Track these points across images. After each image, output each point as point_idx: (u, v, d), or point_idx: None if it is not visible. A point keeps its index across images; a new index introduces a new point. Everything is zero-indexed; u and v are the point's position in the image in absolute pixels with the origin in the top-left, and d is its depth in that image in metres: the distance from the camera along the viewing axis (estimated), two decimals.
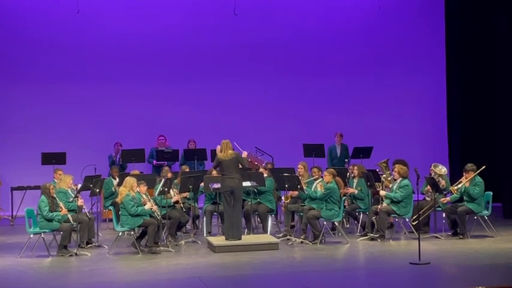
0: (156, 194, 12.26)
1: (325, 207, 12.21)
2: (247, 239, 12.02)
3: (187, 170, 13.86)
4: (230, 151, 11.93)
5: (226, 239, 11.78)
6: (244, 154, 12.33)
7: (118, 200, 11.78)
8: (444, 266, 10.46)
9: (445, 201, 12.65)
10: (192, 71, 17.05)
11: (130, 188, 11.62)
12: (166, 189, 12.08)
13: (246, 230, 12.77)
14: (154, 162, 15.78)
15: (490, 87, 15.71)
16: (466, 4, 16.63)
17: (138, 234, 11.83)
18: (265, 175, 12.99)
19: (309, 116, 17.25)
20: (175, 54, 17.01)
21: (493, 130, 15.63)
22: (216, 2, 17.01)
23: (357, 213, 13.23)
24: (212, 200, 13.08)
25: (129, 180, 11.74)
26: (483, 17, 15.98)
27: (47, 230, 11.47)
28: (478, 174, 12.42)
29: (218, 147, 12.15)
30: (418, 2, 17.72)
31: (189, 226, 13.32)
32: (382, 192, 12.56)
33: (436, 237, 12.38)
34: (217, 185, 12.32)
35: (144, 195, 11.74)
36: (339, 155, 15.92)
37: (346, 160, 15.74)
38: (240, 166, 12.04)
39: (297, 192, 12.66)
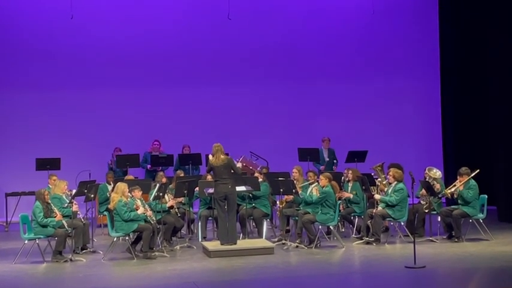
0: (151, 199, 12.24)
1: (320, 212, 12.20)
2: (243, 243, 12.00)
3: (182, 175, 13.85)
4: (222, 156, 11.86)
5: (222, 244, 11.76)
6: (239, 164, 12.28)
7: (110, 206, 11.76)
8: (440, 269, 10.47)
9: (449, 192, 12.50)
10: (186, 76, 17.05)
11: (122, 194, 11.60)
12: (161, 194, 12.07)
13: (241, 235, 12.75)
14: (149, 167, 15.76)
15: (484, 90, 15.74)
16: (460, 7, 16.66)
17: (133, 240, 11.81)
18: (260, 180, 12.98)
19: (303, 120, 17.26)
20: (169, 59, 17.01)
21: (487, 133, 15.65)
22: (209, 7, 17.02)
23: (352, 217, 13.24)
24: (207, 204, 13.06)
25: (120, 186, 11.73)
26: (477, 20, 16.01)
27: (41, 236, 11.44)
28: (472, 177, 12.43)
29: (211, 156, 12.10)
30: (413, 5, 17.77)
31: (184, 231, 13.31)
32: (377, 196, 12.57)
33: (432, 240, 12.38)
34: (212, 190, 12.30)
35: (138, 201, 11.73)
36: (326, 159, 15.91)
37: (335, 161, 15.76)
38: (232, 171, 11.97)
39: (292, 197, 12.66)
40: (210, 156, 12.06)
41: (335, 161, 15.84)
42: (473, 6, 16.17)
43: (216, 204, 12.04)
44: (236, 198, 12.14)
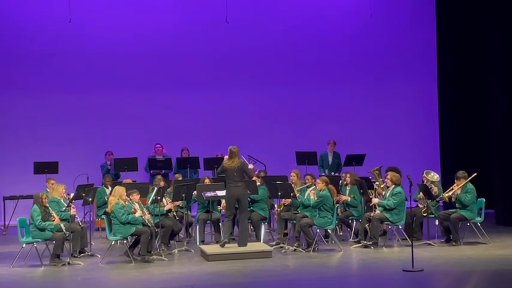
0: (149, 202, 12.25)
1: (318, 215, 12.21)
2: (240, 247, 11.98)
3: (180, 178, 13.85)
4: (237, 159, 11.99)
5: (220, 246, 11.81)
6: (251, 166, 12.36)
7: (108, 209, 11.75)
8: (437, 273, 10.47)
9: (447, 196, 12.52)
10: (185, 80, 17.06)
11: (119, 197, 11.61)
12: (159, 197, 12.07)
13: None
14: (151, 171, 15.76)
15: (482, 94, 15.77)
16: (458, 11, 16.68)
17: (131, 243, 11.81)
18: (258, 183, 12.99)
19: (301, 123, 17.27)
20: (168, 63, 17.02)
21: (485, 137, 15.67)
22: (208, 11, 17.04)
23: (350, 221, 13.24)
24: (205, 208, 13.07)
25: (118, 189, 11.74)
26: (474, 23, 16.03)
27: (39, 240, 11.43)
28: (470, 181, 12.44)
29: (226, 157, 12.24)
30: (410, 9, 17.79)
31: (182, 235, 13.30)
32: (375, 200, 12.57)
33: (429, 244, 12.39)
34: (210, 194, 12.33)
35: (136, 204, 11.73)
36: (330, 162, 15.90)
37: (339, 166, 15.75)
38: (245, 175, 12.10)
39: (290, 200, 12.66)
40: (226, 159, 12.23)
41: (339, 166, 15.79)
42: (471, 10, 16.18)
43: (226, 207, 12.17)
44: (247, 201, 12.23)
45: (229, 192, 11.97)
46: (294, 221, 12.42)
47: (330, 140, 16.05)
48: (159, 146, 16.06)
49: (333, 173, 15.57)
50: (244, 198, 12.02)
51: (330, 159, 15.93)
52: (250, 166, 12.38)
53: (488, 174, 14.76)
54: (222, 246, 11.81)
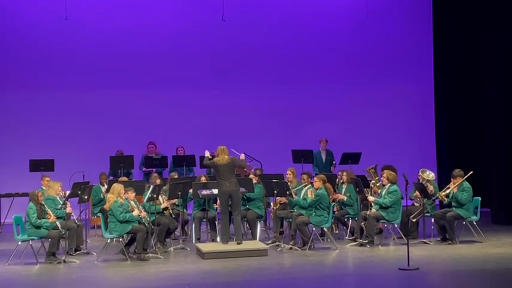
0: (145, 200, 12.24)
1: (314, 213, 12.21)
2: (236, 245, 11.99)
3: (176, 176, 13.85)
4: (226, 156, 12.06)
5: (224, 243, 11.84)
6: (242, 156, 12.42)
7: (106, 206, 11.75)
8: (433, 271, 10.48)
9: (443, 195, 12.53)
10: (181, 78, 17.03)
11: (118, 195, 11.60)
12: (155, 195, 12.07)
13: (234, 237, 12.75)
14: (144, 169, 15.75)
15: (478, 93, 15.78)
16: (454, 11, 16.69)
17: (126, 241, 11.80)
18: (254, 181, 12.99)
19: (297, 122, 17.27)
20: (164, 62, 16.99)
21: (481, 135, 15.69)
22: (204, 9, 17.01)
23: (345, 219, 13.24)
24: (201, 206, 13.07)
25: (117, 187, 11.73)
26: (471, 22, 16.03)
27: (35, 237, 11.42)
28: (466, 179, 12.45)
29: (207, 153, 12.30)
30: (406, 7, 17.79)
31: (178, 233, 13.30)
32: (371, 198, 12.58)
33: (425, 242, 12.40)
34: (206, 192, 12.32)
35: (132, 202, 11.72)
36: (324, 161, 15.90)
37: (334, 162, 15.74)
38: (236, 172, 12.16)
39: (286, 199, 12.66)
40: (207, 153, 12.33)
41: (334, 162, 15.81)
42: (468, 8, 16.18)
43: (220, 203, 12.20)
44: (240, 197, 12.25)
45: (221, 189, 12.03)
46: (290, 219, 12.42)
47: (322, 138, 16.04)
48: (152, 146, 16.02)
49: (333, 165, 15.63)
50: (236, 194, 12.05)
51: (324, 157, 15.93)
52: (242, 157, 12.43)
53: (484, 173, 14.78)
54: (225, 243, 11.88)
